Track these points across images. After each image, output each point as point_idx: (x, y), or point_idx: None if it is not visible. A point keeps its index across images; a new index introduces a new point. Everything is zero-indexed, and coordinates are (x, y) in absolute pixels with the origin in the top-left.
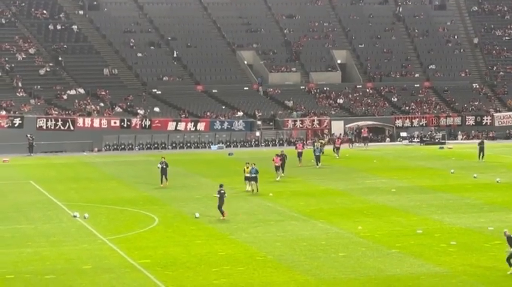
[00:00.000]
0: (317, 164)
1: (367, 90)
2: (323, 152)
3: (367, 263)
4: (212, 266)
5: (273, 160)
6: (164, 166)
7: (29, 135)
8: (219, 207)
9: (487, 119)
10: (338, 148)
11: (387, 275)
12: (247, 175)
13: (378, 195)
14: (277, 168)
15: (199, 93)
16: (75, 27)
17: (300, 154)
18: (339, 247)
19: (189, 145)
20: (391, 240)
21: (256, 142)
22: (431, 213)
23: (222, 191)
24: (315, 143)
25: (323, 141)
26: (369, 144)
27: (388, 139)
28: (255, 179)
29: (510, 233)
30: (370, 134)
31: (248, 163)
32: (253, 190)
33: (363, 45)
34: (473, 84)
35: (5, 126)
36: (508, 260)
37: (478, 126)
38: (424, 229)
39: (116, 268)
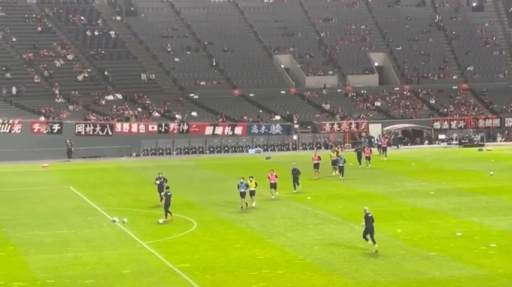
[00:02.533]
0: (341, 175)
1: (405, 92)
2: (345, 161)
3: (406, 266)
4: (251, 270)
5: (268, 178)
6: (163, 182)
7: (67, 141)
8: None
9: None
10: (385, 149)
11: (427, 278)
12: (252, 189)
13: (416, 198)
14: (272, 185)
15: (236, 98)
16: (112, 33)
17: (316, 165)
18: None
19: (226, 149)
20: (431, 243)
21: (294, 146)
22: (471, 215)
23: (169, 194)
24: (331, 154)
25: (337, 149)
26: (408, 146)
27: (426, 142)
28: (243, 194)
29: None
30: (392, 143)
31: (252, 177)
32: (246, 204)
33: (400, 48)
34: None
35: (44, 132)
36: (364, 236)
37: None
38: (463, 232)
39: (155, 272)
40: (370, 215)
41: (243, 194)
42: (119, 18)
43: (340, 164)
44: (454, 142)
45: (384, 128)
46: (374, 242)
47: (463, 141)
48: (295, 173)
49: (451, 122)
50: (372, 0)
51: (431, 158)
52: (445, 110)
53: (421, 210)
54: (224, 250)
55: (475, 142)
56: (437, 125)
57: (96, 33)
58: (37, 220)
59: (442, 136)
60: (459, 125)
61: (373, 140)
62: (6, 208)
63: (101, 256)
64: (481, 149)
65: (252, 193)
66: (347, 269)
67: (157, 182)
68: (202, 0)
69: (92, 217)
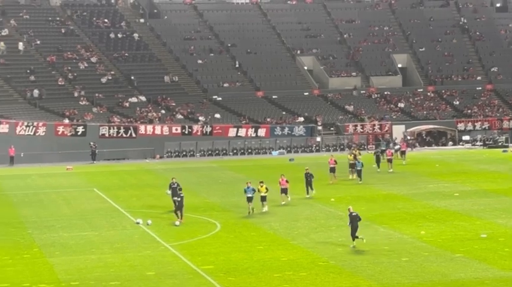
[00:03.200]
0: (359, 179)
1: (428, 93)
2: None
3: (430, 268)
4: (274, 272)
5: (279, 183)
6: (176, 187)
7: (91, 143)
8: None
9: None
10: (403, 152)
11: (451, 280)
12: (263, 194)
13: (440, 199)
14: (282, 190)
15: (259, 99)
16: (136, 35)
17: (332, 170)
18: (402, 252)
19: (249, 150)
20: (455, 245)
21: (317, 147)
22: (495, 217)
23: (182, 195)
24: (348, 157)
25: (355, 152)
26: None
27: (450, 143)
28: (250, 199)
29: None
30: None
31: (262, 182)
32: (253, 209)
33: (423, 49)
34: None
35: (68, 134)
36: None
37: None
38: (488, 233)
39: (179, 274)
40: (354, 213)
41: (249, 199)
42: (142, 20)
43: (358, 168)
44: (478, 143)
45: (408, 129)
46: (353, 239)
47: (487, 142)
48: (309, 177)
49: (475, 123)
50: (395, 1)
51: (456, 160)
52: (469, 111)
53: (445, 212)
54: (247, 252)
55: (500, 143)
56: (461, 126)
57: (119, 35)
58: (61, 221)
59: (466, 137)
60: (483, 126)
61: (391, 143)
62: (31, 209)
63: (124, 258)
64: (506, 151)
65: (263, 198)
66: (371, 271)
67: (169, 192)
68: (225, 2)
69: (115, 218)
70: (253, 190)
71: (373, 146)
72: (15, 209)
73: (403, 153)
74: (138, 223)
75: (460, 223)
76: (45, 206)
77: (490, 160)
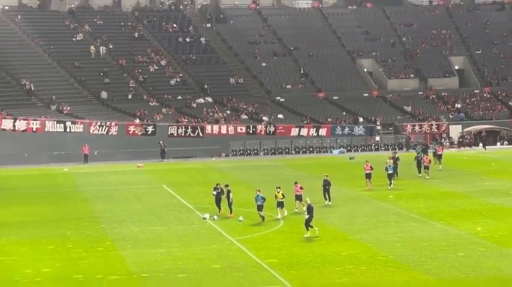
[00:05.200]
0: (390, 185)
1: (485, 94)
2: (397, 174)
3: (486, 263)
4: (335, 266)
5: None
6: (220, 193)
7: (161, 142)
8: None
9: None
10: (440, 156)
11: (507, 274)
12: (279, 200)
13: (496, 197)
14: (297, 197)
15: (320, 100)
16: (203, 39)
17: (368, 176)
18: (459, 247)
19: (311, 149)
20: (510, 241)
21: (376, 146)
22: None
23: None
24: (387, 161)
25: (395, 156)
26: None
27: (506, 142)
28: (260, 207)
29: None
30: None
31: (279, 188)
32: (263, 217)
33: (480, 51)
34: None
35: (139, 134)
36: (305, 225)
37: None
38: None
39: (244, 267)
40: (312, 205)
41: (259, 207)
42: (209, 25)
43: (389, 171)
44: None
45: (464, 129)
46: (307, 229)
47: None
48: (326, 185)
49: None
50: (452, 5)
51: (511, 159)
52: None
53: (501, 208)
54: (309, 246)
55: None
56: None
57: (187, 39)
58: (132, 216)
59: None
60: None
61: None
62: (104, 205)
63: (192, 251)
64: None
65: (280, 204)
66: (428, 266)
67: (215, 193)
68: (288, 7)
69: (183, 214)
70: (263, 199)
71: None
72: (89, 204)
73: (439, 157)
74: (204, 218)
75: None
76: (117, 202)
77: None
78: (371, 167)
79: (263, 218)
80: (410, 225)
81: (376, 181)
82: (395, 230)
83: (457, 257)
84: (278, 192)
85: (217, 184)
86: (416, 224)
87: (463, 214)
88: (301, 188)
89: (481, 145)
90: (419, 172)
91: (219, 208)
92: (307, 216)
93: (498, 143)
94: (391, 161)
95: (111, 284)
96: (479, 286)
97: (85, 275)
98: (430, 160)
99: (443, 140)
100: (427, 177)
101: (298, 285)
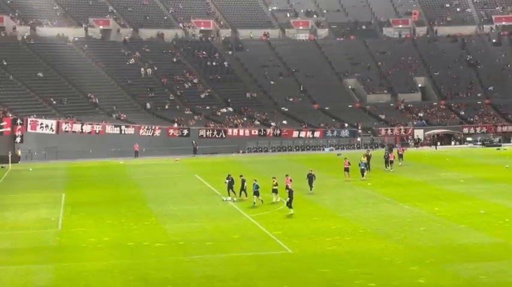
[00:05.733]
0: (362, 176)
1: (441, 106)
2: (369, 168)
3: (442, 235)
4: (326, 237)
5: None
6: (231, 182)
7: (193, 142)
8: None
9: None
10: (401, 155)
11: (458, 244)
12: (274, 187)
13: (450, 185)
14: (286, 187)
15: (315, 110)
16: (225, 63)
17: (346, 169)
18: (421, 223)
19: (308, 147)
20: (460, 218)
21: (358, 145)
22: (491, 198)
23: (243, 179)
24: (361, 158)
25: (369, 154)
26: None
27: (457, 143)
28: (256, 193)
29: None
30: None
31: (274, 178)
32: (261, 201)
33: (437, 73)
34: None
35: (177, 135)
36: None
37: None
38: (485, 210)
39: (257, 237)
40: (292, 190)
41: (256, 193)
42: (230, 52)
43: (361, 167)
44: (478, 143)
45: (426, 133)
46: (291, 207)
47: (485, 142)
48: (311, 177)
49: (476, 128)
50: (417, 38)
51: (461, 155)
52: (472, 119)
53: (453, 193)
54: (306, 222)
55: (494, 143)
56: (465, 130)
57: (214, 63)
58: (172, 198)
59: (469, 139)
60: (482, 131)
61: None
62: (151, 189)
63: (217, 225)
64: (499, 149)
65: (275, 191)
66: (398, 237)
67: (227, 181)
68: (291, 39)
69: (210, 197)
70: (257, 186)
71: (399, 144)
72: (139, 189)
73: (400, 156)
74: (226, 200)
75: (465, 202)
76: (159, 187)
77: (487, 156)
78: (349, 163)
79: (261, 201)
80: (384, 206)
81: (355, 174)
82: (372, 210)
83: (419, 231)
84: (273, 181)
85: (228, 175)
86: (388, 205)
87: (424, 198)
88: (290, 180)
89: (433, 146)
90: (386, 167)
91: (229, 193)
92: (288, 199)
93: (452, 143)
94: (365, 158)
95: (155, 249)
96: (437, 252)
97: (135, 243)
98: (394, 156)
99: (408, 141)
100: (391, 170)
101: (297, 251)
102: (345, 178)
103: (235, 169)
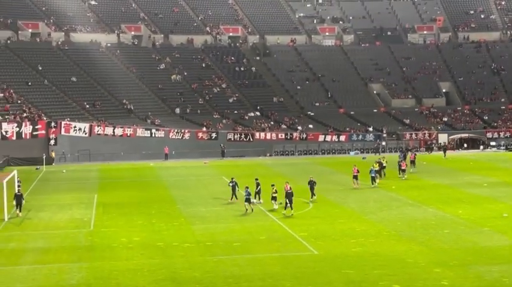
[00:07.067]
0: (372, 183)
1: (465, 111)
2: (381, 175)
3: (465, 237)
4: (351, 238)
5: (284, 189)
6: (234, 186)
7: (222, 145)
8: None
9: None
10: (412, 161)
11: (481, 246)
12: (273, 195)
13: (473, 188)
14: (286, 195)
15: (341, 115)
16: (253, 68)
17: (355, 177)
18: (445, 226)
19: (333, 151)
20: (484, 221)
21: (383, 149)
22: None
23: (258, 182)
24: (374, 165)
25: (382, 162)
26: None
27: (481, 147)
28: (248, 200)
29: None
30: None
31: (273, 185)
32: (251, 209)
33: (461, 79)
34: None
35: (205, 138)
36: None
37: None
38: (509, 213)
39: (282, 238)
40: (290, 191)
41: (247, 200)
42: (258, 58)
43: (372, 175)
44: (502, 147)
45: (450, 137)
46: (292, 208)
47: (509, 147)
48: (312, 184)
49: (500, 133)
50: (441, 44)
51: (485, 159)
52: (495, 123)
53: (477, 197)
54: (331, 224)
55: None
56: (489, 134)
57: (242, 69)
58: (200, 200)
59: (493, 143)
60: (506, 135)
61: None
62: (180, 191)
63: (244, 226)
64: None
65: (274, 198)
66: (421, 239)
67: (230, 185)
68: (317, 44)
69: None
70: (249, 193)
71: (424, 148)
72: (168, 190)
73: (412, 162)
74: (252, 202)
75: (488, 205)
76: (188, 189)
77: (510, 160)
78: (358, 170)
79: (252, 210)
80: (408, 209)
81: (365, 180)
82: (396, 212)
83: (443, 233)
84: (273, 189)
85: (232, 178)
86: (412, 208)
87: (448, 201)
88: (290, 188)
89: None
90: (399, 174)
91: (233, 197)
92: (287, 200)
93: (481, 147)
94: (377, 165)
95: (184, 249)
96: (460, 254)
97: (165, 243)
98: (406, 165)
99: (433, 145)
100: (403, 178)
101: (323, 252)
102: (353, 185)
103: (261, 172)
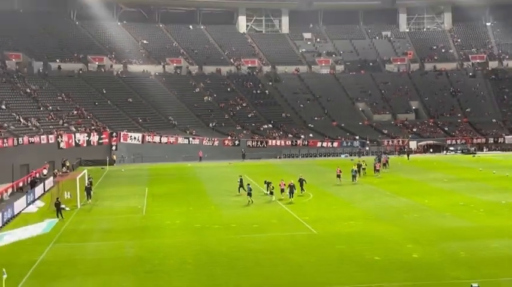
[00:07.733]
0: (352, 181)
1: (430, 123)
2: (360, 174)
3: (431, 221)
4: (343, 221)
5: (279, 185)
6: (240, 181)
7: (243, 150)
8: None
9: (501, 139)
10: (385, 163)
11: (443, 227)
12: (271, 190)
13: (436, 182)
14: (281, 190)
15: (334, 127)
16: (267, 91)
17: (338, 176)
18: (415, 212)
19: (328, 154)
20: (445, 208)
21: (366, 153)
22: (468, 193)
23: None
24: (353, 166)
25: (360, 163)
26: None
27: (444, 151)
28: (249, 194)
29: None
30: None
31: (270, 182)
32: (252, 201)
33: (427, 98)
34: (493, 119)
35: (230, 145)
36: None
37: (495, 143)
38: (464, 202)
39: (290, 221)
40: (293, 185)
41: (249, 194)
42: (270, 83)
43: (353, 173)
44: (458, 151)
45: (418, 143)
46: (291, 197)
47: (464, 151)
48: (301, 181)
49: (457, 140)
50: (411, 72)
51: (446, 160)
52: (453, 133)
53: (439, 189)
54: (327, 210)
55: (471, 151)
56: (449, 141)
57: (258, 91)
58: (226, 191)
59: (451, 148)
60: (462, 142)
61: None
62: (211, 184)
63: (260, 211)
64: (474, 155)
65: (272, 193)
66: (397, 222)
67: (239, 181)
68: (316, 73)
69: (255, 191)
70: (251, 189)
71: (397, 152)
72: (202, 184)
73: (384, 164)
74: (266, 194)
75: (448, 196)
76: (217, 183)
77: (465, 161)
78: (340, 171)
79: (252, 202)
80: (386, 199)
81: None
82: (377, 201)
83: (414, 217)
84: (270, 185)
85: (239, 176)
86: (389, 198)
87: (417, 192)
88: (284, 184)
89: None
90: (374, 173)
91: (239, 191)
92: (288, 190)
93: (444, 151)
94: (356, 166)
95: (214, 230)
96: (427, 234)
97: (200, 225)
98: (380, 165)
99: (405, 149)
100: (378, 176)
101: (321, 232)
102: (336, 182)
103: (273, 170)
